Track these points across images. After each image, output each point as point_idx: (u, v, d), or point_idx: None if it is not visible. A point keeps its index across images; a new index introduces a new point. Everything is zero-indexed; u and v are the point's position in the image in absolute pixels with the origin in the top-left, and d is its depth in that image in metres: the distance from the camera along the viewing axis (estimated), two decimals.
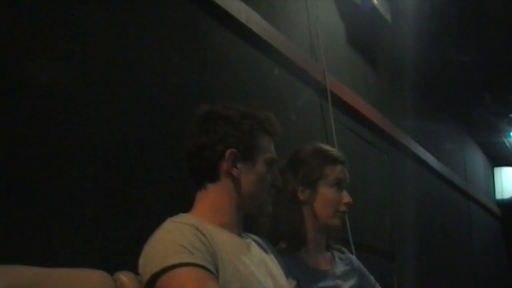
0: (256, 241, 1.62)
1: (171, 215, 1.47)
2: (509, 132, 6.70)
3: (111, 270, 1.36)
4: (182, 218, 1.46)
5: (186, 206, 1.55)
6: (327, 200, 1.89)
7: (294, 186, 1.88)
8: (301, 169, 1.89)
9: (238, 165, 1.52)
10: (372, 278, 2.05)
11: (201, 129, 1.53)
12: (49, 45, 1.57)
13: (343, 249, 2.05)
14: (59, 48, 1.60)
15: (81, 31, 1.67)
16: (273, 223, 1.84)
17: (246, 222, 1.60)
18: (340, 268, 1.94)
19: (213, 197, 1.52)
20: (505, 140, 6.94)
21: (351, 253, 2.55)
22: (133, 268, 1.40)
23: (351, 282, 1.94)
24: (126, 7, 1.85)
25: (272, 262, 1.61)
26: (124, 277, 1.36)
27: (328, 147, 1.99)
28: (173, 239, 1.36)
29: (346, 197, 1.91)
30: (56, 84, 1.57)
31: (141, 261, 1.39)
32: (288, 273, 1.70)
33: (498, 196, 7.76)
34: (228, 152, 1.51)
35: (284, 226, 1.85)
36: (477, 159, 7.12)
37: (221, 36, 2.31)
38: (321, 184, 1.89)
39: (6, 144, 1.41)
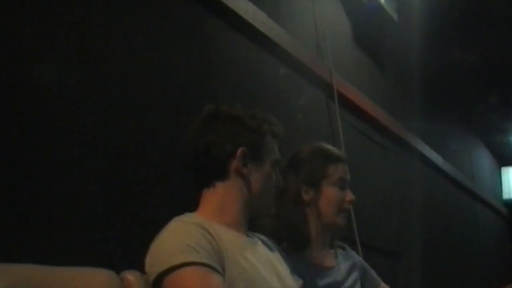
0: (262, 240, 1.63)
1: (178, 214, 1.47)
2: None
3: (117, 269, 1.36)
4: (188, 217, 1.46)
5: (192, 205, 1.55)
6: (332, 199, 1.89)
7: (297, 187, 1.87)
8: (303, 170, 1.89)
9: (248, 165, 1.53)
10: (373, 272, 2.04)
11: (210, 127, 1.53)
12: (52, 46, 1.57)
13: (345, 245, 2.05)
14: (63, 49, 1.60)
15: (84, 32, 1.67)
16: (276, 224, 1.83)
17: (250, 222, 1.60)
18: (344, 264, 1.95)
19: (221, 196, 1.53)
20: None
21: (358, 252, 2.54)
22: (140, 267, 1.40)
23: (354, 276, 1.95)
24: (130, 7, 1.86)
25: (278, 261, 1.61)
26: (130, 276, 1.36)
27: (329, 146, 1.98)
28: (179, 238, 1.36)
29: (349, 195, 1.91)
30: (59, 85, 1.57)
31: (148, 260, 1.39)
32: (294, 271, 1.70)
33: (505, 196, 7.74)
34: (239, 150, 1.51)
35: (287, 227, 1.84)
36: (484, 159, 7.10)
37: (227, 35, 2.31)
38: (324, 183, 1.89)
39: (8, 144, 1.42)
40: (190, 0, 2.11)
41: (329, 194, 1.89)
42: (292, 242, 1.83)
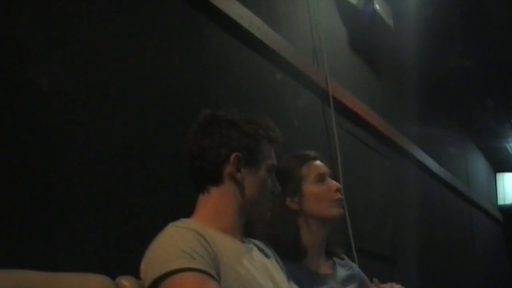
0: (257, 246, 1.63)
1: (173, 219, 1.47)
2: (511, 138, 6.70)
3: (112, 274, 1.36)
4: (184, 223, 1.46)
5: (188, 210, 1.55)
6: (316, 195, 1.89)
7: (282, 199, 1.86)
8: (282, 182, 1.88)
9: (242, 170, 1.53)
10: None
11: (205, 132, 1.54)
12: (51, 49, 1.57)
13: (343, 256, 2.05)
14: (61, 51, 1.60)
15: (83, 35, 1.67)
16: (270, 239, 1.82)
17: (246, 228, 1.60)
18: (341, 273, 1.94)
19: (215, 201, 1.53)
20: (507, 145, 6.94)
21: (353, 258, 2.54)
22: (135, 272, 1.40)
23: (352, 287, 1.93)
24: (129, 12, 1.86)
25: (273, 267, 1.61)
26: (125, 281, 1.36)
27: (299, 152, 1.99)
28: (174, 244, 1.36)
29: (334, 184, 1.91)
30: (58, 88, 1.57)
31: (143, 265, 1.39)
32: (290, 277, 1.69)
33: (500, 201, 7.76)
34: (233, 155, 1.51)
35: (282, 241, 1.83)
36: (479, 164, 7.12)
37: (223, 41, 2.31)
38: (304, 185, 1.89)
39: (7, 147, 1.42)
40: (187, 6, 2.12)
41: (312, 192, 1.89)
42: (289, 255, 1.81)
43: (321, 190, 1.89)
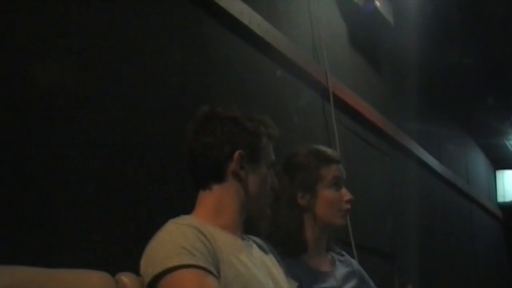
0: (256, 243, 1.63)
1: (173, 216, 1.47)
2: (511, 135, 6.70)
3: (112, 271, 1.36)
4: (183, 219, 1.46)
5: (188, 207, 1.55)
6: (329, 201, 1.88)
7: (292, 192, 1.87)
8: (297, 175, 1.88)
9: (245, 167, 1.53)
10: (371, 283, 2.04)
11: (207, 129, 1.53)
12: (51, 46, 1.57)
13: (343, 252, 2.05)
14: (61, 48, 1.60)
15: (83, 32, 1.67)
16: (272, 229, 1.82)
17: (246, 225, 1.60)
18: (340, 270, 1.94)
19: (217, 198, 1.52)
20: (507, 143, 6.94)
21: (353, 255, 2.54)
22: (135, 269, 1.40)
23: (351, 284, 1.93)
24: (128, 8, 1.86)
25: (273, 264, 1.61)
26: (125, 278, 1.36)
27: (322, 148, 1.97)
28: (174, 240, 1.36)
29: (347, 195, 1.91)
30: (58, 85, 1.57)
31: (143, 262, 1.39)
32: (289, 274, 1.70)
33: (500, 198, 7.77)
34: (237, 153, 1.51)
35: (283, 232, 1.84)
36: (479, 161, 7.12)
37: (224, 38, 2.31)
38: (319, 186, 1.88)
39: (7, 144, 1.41)
40: (187, 2, 2.11)
41: (325, 196, 1.88)
42: (288, 248, 1.82)
43: (333, 196, 1.89)
